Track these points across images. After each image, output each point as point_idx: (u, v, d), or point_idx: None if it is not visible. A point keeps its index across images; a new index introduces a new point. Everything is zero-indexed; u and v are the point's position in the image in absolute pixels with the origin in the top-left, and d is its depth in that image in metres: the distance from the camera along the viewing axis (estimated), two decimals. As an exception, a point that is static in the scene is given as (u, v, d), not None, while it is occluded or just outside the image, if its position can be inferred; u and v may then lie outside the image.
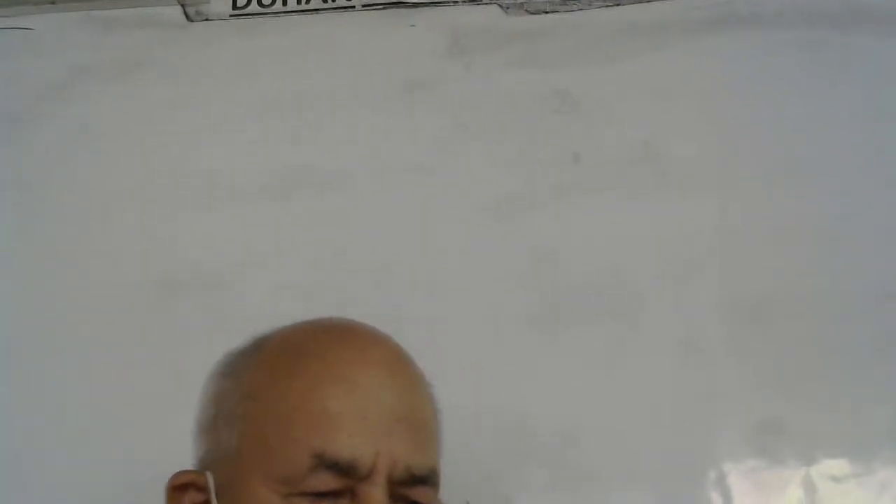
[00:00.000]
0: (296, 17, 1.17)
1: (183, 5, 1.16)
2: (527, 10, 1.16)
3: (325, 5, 1.17)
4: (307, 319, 0.68)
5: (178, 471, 0.65)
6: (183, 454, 0.69)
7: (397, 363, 0.66)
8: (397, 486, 0.61)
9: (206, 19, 1.17)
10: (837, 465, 0.96)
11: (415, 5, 1.16)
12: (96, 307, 0.98)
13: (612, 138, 1.09)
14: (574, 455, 0.96)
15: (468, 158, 1.09)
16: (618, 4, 1.15)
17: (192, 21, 1.17)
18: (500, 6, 1.16)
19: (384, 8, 1.17)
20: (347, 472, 0.59)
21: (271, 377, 0.63)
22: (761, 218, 1.05)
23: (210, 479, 0.62)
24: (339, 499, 0.59)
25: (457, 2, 1.16)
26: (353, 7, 1.17)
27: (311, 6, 1.17)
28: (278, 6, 1.17)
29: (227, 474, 0.62)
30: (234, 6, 1.17)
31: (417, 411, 0.64)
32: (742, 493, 0.96)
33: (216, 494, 0.61)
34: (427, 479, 0.63)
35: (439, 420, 0.68)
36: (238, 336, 0.98)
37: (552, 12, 1.15)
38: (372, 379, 0.63)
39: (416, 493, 0.62)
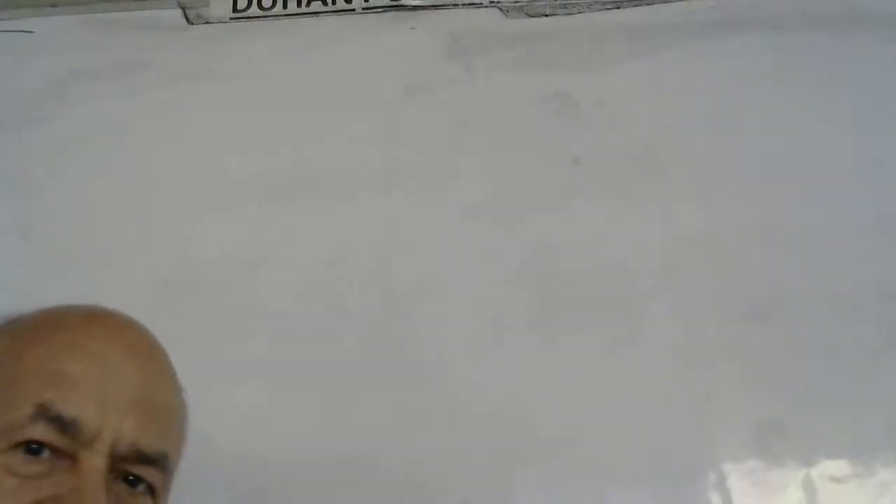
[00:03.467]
0: (296, 20, 1.17)
1: (183, 8, 1.17)
2: (527, 13, 1.16)
3: (326, 8, 1.17)
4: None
5: None
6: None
7: (148, 351, 0.67)
8: (122, 462, 0.60)
9: (206, 22, 1.17)
10: (837, 466, 0.96)
11: (415, 8, 1.17)
12: (96, 308, 0.98)
13: (612, 141, 1.10)
14: (572, 455, 0.96)
15: (468, 160, 1.09)
16: (617, 7, 1.16)
17: (193, 24, 1.17)
18: (500, 9, 1.16)
19: (384, 11, 1.17)
20: (69, 430, 0.58)
21: (13, 342, 0.64)
22: (761, 220, 1.05)
23: None
24: (58, 461, 0.58)
25: (457, 4, 1.17)
26: (353, 10, 1.17)
27: (311, 9, 1.17)
28: (278, 9, 1.17)
29: None
30: (235, 9, 1.18)
31: (158, 397, 0.65)
32: (742, 493, 0.95)
33: None
34: (156, 460, 0.62)
35: (183, 418, 0.68)
36: (239, 335, 1.00)
37: (552, 15, 1.16)
38: (118, 357, 0.63)
39: (143, 470, 0.62)
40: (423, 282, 1.03)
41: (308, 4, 1.17)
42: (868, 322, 0.99)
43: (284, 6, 1.17)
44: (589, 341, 1.00)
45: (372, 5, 1.17)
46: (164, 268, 1.02)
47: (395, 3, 1.17)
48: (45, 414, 0.58)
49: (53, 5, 1.16)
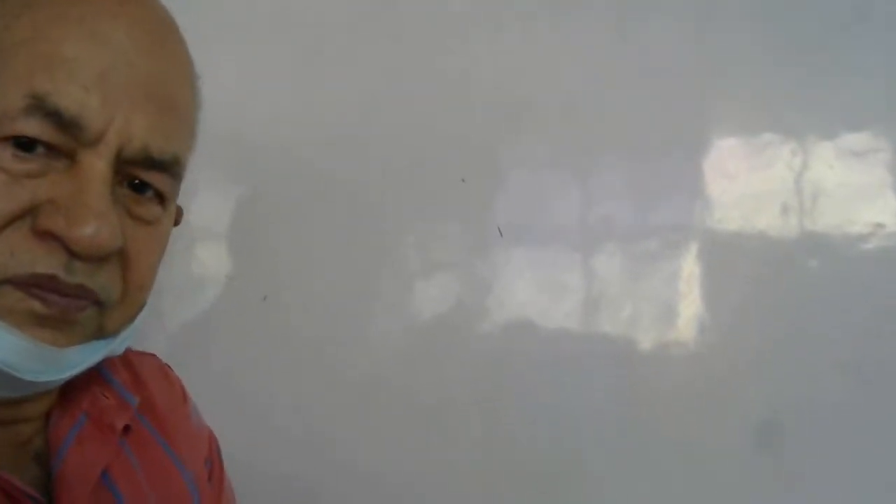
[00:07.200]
0: None
1: None
2: None
3: None
4: None
5: None
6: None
7: (165, 34, 0.56)
8: (129, 165, 0.53)
9: None
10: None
11: None
12: None
13: None
14: (571, 128, 0.97)
15: None
16: None
17: None
18: None
19: None
20: (69, 128, 0.50)
21: (6, 5, 0.52)
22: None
23: None
24: (53, 160, 0.51)
25: None
26: None
27: None
28: None
29: None
30: None
31: (172, 90, 0.55)
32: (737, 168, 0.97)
33: None
34: (167, 165, 0.54)
35: (196, 114, 0.60)
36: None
37: None
38: (126, 37, 0.52)
39: (152, 177, 0.54)
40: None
41: None
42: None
43: None
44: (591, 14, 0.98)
45: None
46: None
47: None
48: (41, 107, 0.49)
49: None
